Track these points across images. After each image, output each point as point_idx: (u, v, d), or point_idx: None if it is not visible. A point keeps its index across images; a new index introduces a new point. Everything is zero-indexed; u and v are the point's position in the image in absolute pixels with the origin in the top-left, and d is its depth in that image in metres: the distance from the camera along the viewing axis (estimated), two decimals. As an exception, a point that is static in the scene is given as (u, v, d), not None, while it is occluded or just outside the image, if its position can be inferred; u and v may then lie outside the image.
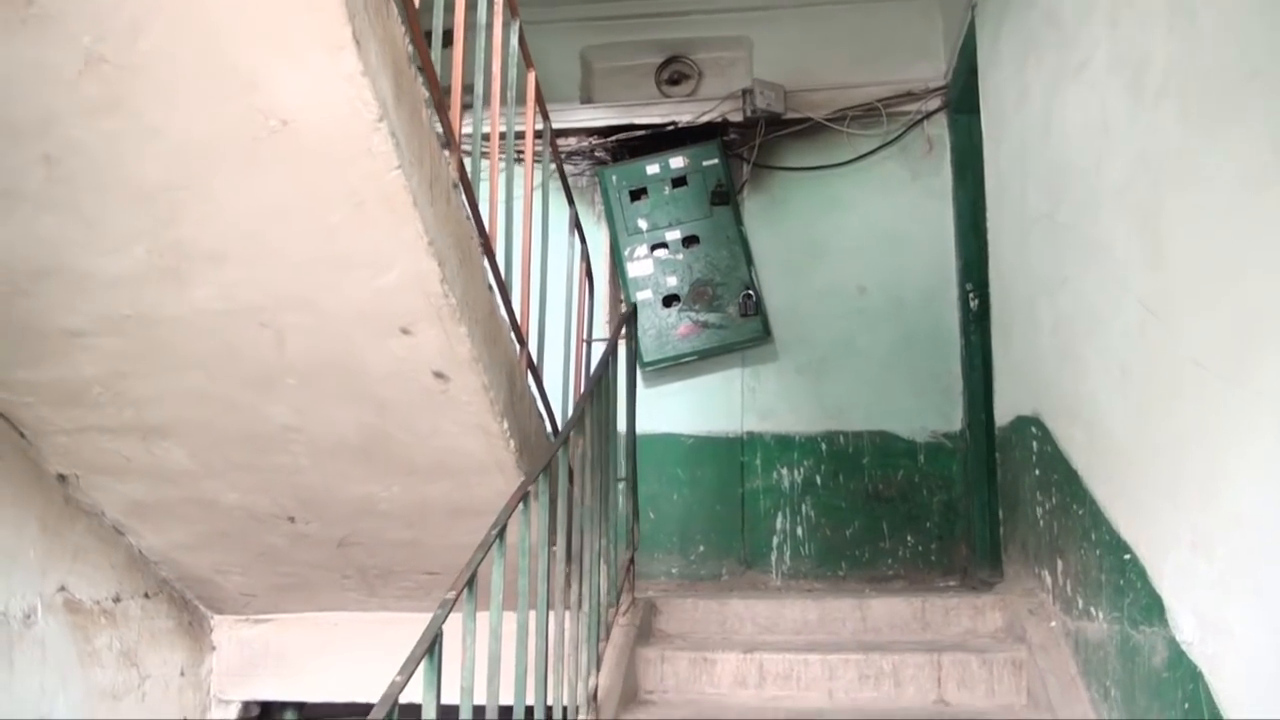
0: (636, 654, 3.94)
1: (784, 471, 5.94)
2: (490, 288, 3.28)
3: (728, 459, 6.01)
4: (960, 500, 5.80)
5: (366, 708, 5.38)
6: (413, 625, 4.53)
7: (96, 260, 2.89)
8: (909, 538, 5.80)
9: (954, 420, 5.86)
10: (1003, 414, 4.82)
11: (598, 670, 3.60)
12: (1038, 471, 4.22)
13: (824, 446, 5.91)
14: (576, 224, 4.41)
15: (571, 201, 4.45)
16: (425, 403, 3.26)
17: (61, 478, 3.77)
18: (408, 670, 2.15)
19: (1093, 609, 3.53)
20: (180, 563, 4.20)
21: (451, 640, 4.37)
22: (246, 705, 4.65)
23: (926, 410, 5.89)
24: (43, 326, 3.14)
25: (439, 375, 3.16)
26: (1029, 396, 4.36)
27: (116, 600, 4.05)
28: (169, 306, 3.01)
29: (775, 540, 5.85)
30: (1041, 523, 4.16)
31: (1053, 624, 3.95)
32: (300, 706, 5.00)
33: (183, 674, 4.40)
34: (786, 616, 4.28)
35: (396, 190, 2.61)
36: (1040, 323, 4.18)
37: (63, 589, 3.81)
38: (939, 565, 5.77)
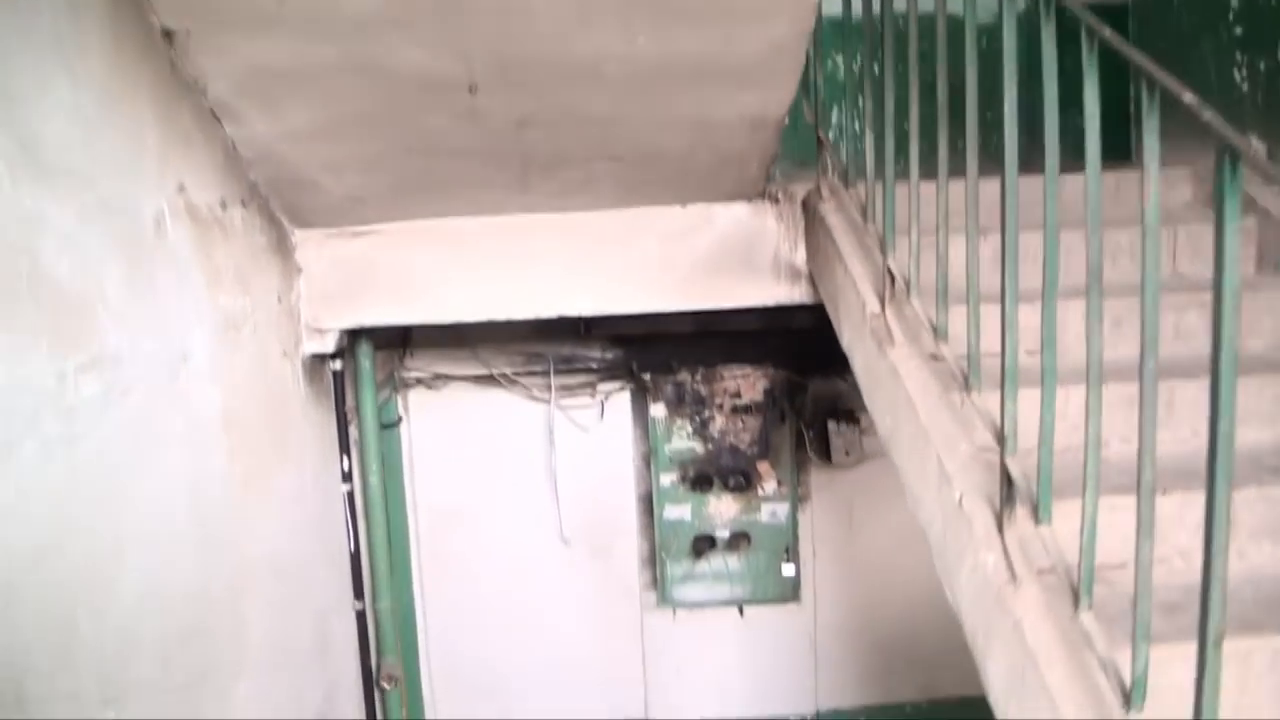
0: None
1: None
2: None
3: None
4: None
5: (483, 327, 4.63)
6: (558, 228, 3.82)
7: None
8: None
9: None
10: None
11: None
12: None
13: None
14: None
15: None
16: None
17: (168, 34, 2.70)
18: None
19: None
20: (283, 159, 3.24)
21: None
22: (343, 335, 3.86)
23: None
24: None
25: None
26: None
27: (224, 207, 3.11)
28: None
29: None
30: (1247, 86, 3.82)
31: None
32: (370, 332, 4.23)
33: (279, 300, 3.55)
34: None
35: None
36: None
37: (182, 189, 2.84)
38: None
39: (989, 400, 2.48)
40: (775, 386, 5.38)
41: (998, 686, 2.25)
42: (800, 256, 3.75)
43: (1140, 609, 1.79)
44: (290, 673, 3.49)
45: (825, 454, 5.44)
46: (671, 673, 5.63)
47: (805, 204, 3.73)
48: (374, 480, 4.37)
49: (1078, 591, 2.00)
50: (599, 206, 3.68)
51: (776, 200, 3.75)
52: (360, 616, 4.26)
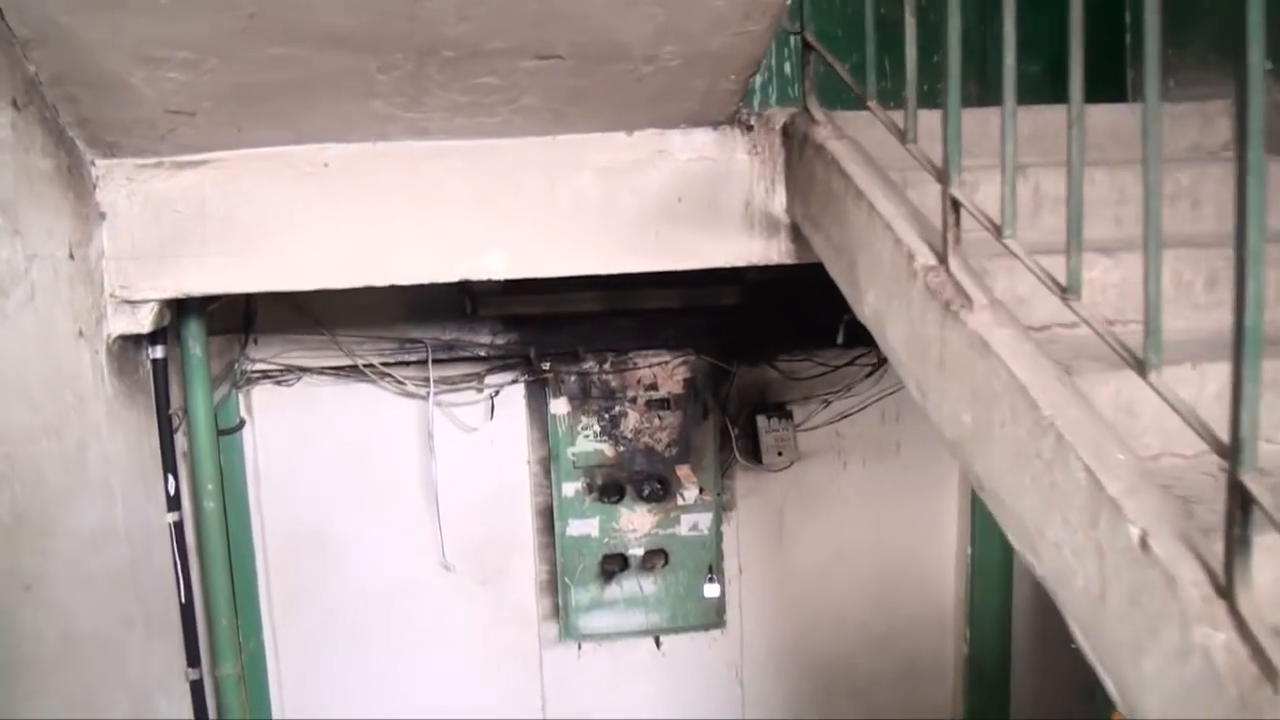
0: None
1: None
2: None
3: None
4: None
5: (346, 306, 3.62)
6: (462, 160, 2.82)
7: None
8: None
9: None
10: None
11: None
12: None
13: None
14: None
15: None
16: None
17: None
18: None
19: None
20: (74, 39, 2.19)
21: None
22: (164, 309, 2.80)
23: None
24: None
25: None
26: None
27: (-21, 106, 2.04)
28: None
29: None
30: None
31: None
32: (201, 307, 3.18)
33: (71, 256, 2.48)
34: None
35: None
36: None
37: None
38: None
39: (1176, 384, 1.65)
40: (697, 376, 4.59)
41: None
42: (779, 201, 2.89)
43: None
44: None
45: (754, 454, 4.69)
46: (577, 717, 4.77)
47: (786, 132, 2.87)
48: (210, 506, 3.31)
49: None
50: (517, 132, 2.74)
51: (750, 127, 2.87)
52: (197, 689, 3.20)
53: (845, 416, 4.81)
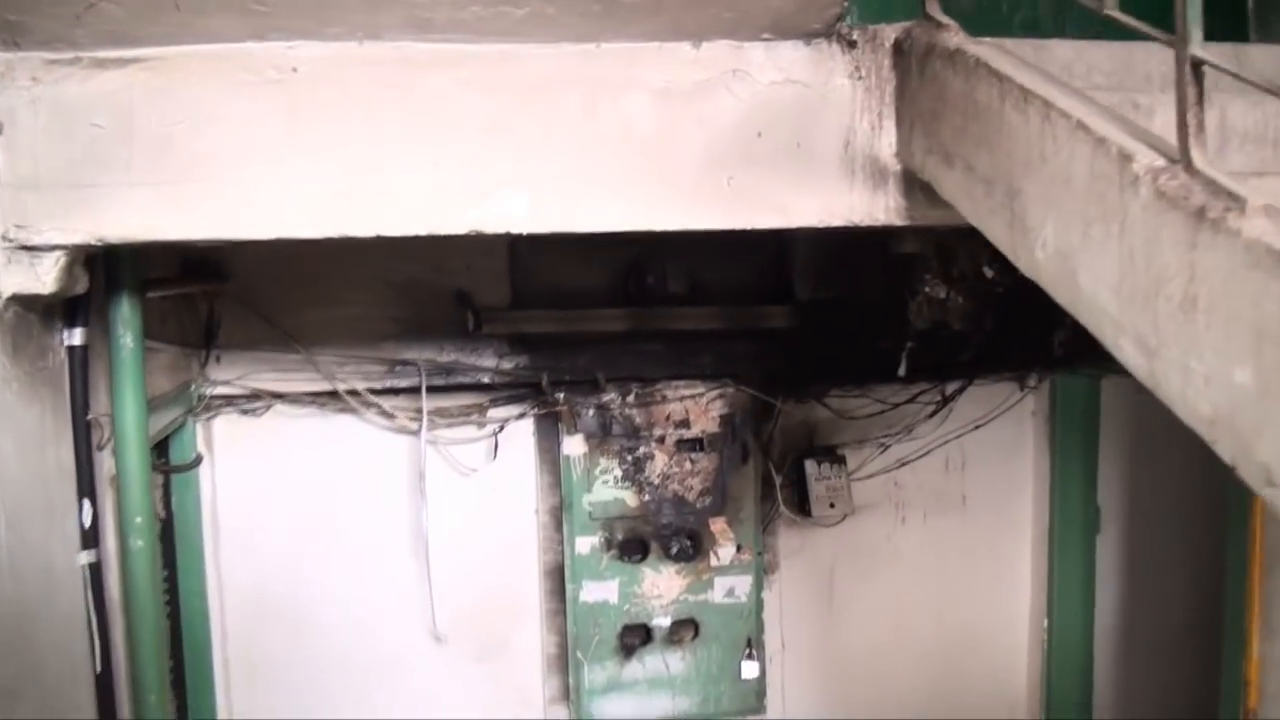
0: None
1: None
2: None
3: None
4: None
5: (322, 319, 2.88)
6: (476, 71, 1.92)
7: None
8: None
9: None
10: None
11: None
12: None
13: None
14: None
15: None
16: None
17: None
18: None
19: None
20: None
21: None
22: (76, 264, 2.11)
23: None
24: None
25: None
26: None
27: None
28: None
29: None
30: None
31: None
32: (135, 269, 2.50)
33: (-59, 173, 1.80)
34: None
35: None
36: None
37: None
38: None
39: None
40: (736, 412, 3.99)
41: None
42: (888, 142, 2.24)
43: None
44: None
45: (800, 506, 4.14)
46: (588, 824, 4.23)
47: (900, 50, 2.23)
48: (139, 545, 2.58)
49: None
50: (549, 34, 2.10)
51: (852, 43, 2.24)
52: (112, 786, 2.45)
53: (905, 463, 4.26)
